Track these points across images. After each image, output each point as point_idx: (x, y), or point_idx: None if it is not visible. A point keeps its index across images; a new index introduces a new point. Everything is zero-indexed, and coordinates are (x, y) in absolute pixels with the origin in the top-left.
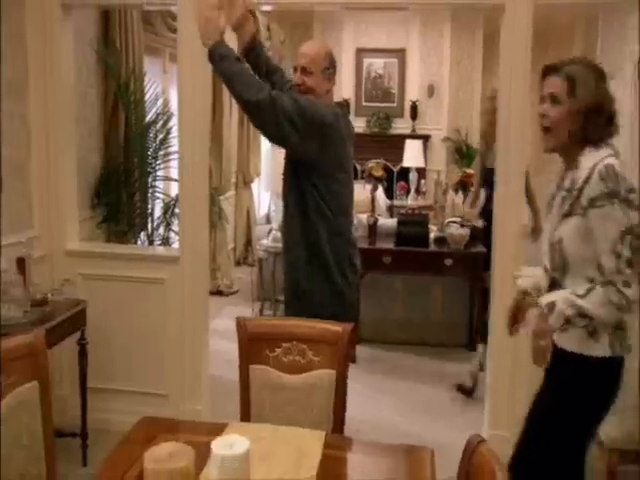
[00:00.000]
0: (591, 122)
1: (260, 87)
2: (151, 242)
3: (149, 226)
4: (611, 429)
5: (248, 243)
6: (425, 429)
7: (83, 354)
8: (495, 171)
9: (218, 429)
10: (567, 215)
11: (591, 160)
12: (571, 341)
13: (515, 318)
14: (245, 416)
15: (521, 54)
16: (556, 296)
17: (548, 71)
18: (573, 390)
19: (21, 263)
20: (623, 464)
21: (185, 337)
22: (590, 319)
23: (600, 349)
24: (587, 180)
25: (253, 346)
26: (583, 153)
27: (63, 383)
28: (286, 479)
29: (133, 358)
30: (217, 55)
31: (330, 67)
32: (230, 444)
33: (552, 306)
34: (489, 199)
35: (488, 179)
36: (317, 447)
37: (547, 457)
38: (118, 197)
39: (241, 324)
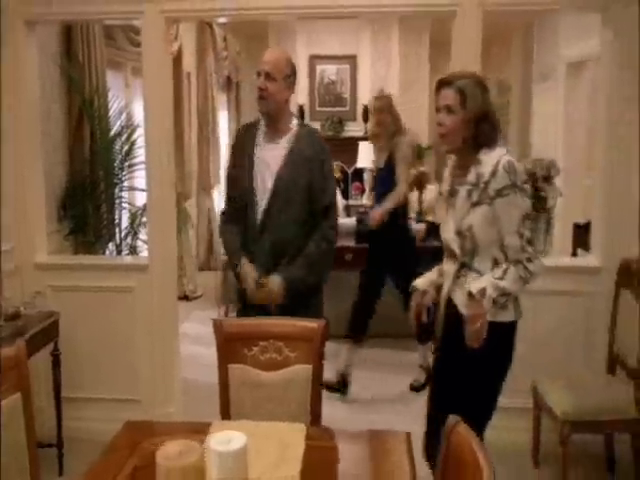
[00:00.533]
0: (480, 129)
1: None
2: (119, 252)
3: (117, 236)
4: (563, 403)
5: (210, 249)
6: (392, 418)
7: (57, 365)
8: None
9: (203, 428)
10: (476, 204)
11: (493, 157)
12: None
13: (419, 317)
14: (225, 415)
15: (471, 57)
16: (483, 282)
17: (442, 84)
18: (493, 351)
19: None
20: (574, 434)
21: (155, 343)
22: (508, 295)
23: (508, 315)
24: (493, 174)
25: (231, 346)
26: (482, 152)
27: (39, 394)
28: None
29: (106, 366)
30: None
31: (291, 75)
32: (227, 440)
33: (483, 292)
34: None
35: None
36: (299, 439)
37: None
38: (84, 209)
39: (218, 325)
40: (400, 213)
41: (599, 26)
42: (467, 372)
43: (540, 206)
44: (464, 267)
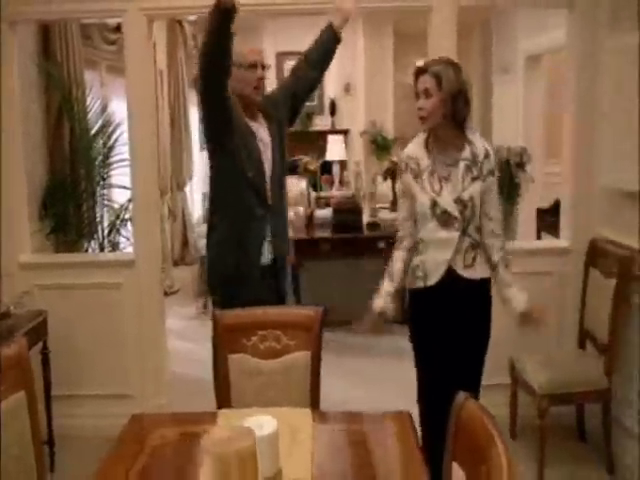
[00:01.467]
0: (456, 105)
1: None
2: (102, 249)
3: (100, 233)
4: (539, 378)
5: (184, 244)
6: (375, 398)
7: (46, 363)
8: None
9: (211, 417)
10: (475, 179)
11: (481, 141)
12: (480, 272)
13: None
14: (223, 404)
15: (447, 51)
16: (520, 297)
17: (419, 72)
18: (489, 308)
19: None
20: (552, 406)
21: (144, 337)
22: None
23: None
24: (486, 156)
25: (230, 337)
26: (469, 132)
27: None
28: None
29: (95, 362)
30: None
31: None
32: (260, 425)
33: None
34: None
35: None
36: (307, 423)
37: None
38: (65, 207)
39: (217, 317)
40: None
41: (565, 20)
42: (475, 338)
43: (515, 192)
44: (463, 233)
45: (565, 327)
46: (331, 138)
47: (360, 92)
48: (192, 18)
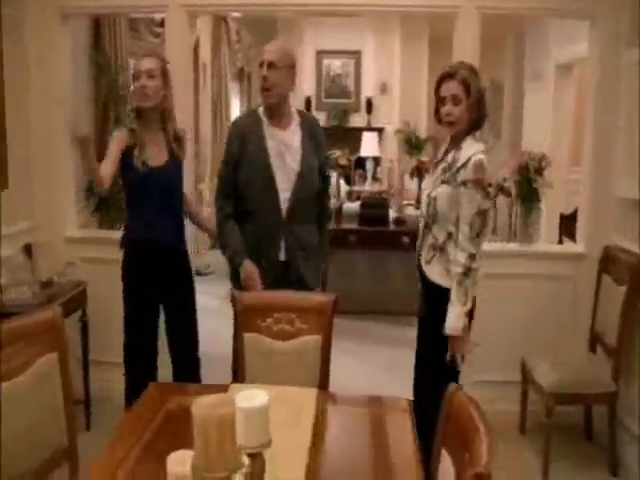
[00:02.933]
0: (481, 110)
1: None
2: None
3: None
4: (548, 377)
5: None
6: (389, 386)
7: (85, 330)
8: None
9: (221, 390)
10: (444, 182)
11: (470, 150)
12: (434, 274)
13: None
14: (238, 379)
15: (470, 56)
16: (454, 321)
17: (445, 77)
18: (440, 314)
19: (28, 249)
20: (558, 405)
21: None
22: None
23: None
24: (464, 165)
25: (247, 317)
26: (467, 139)
27: (68, 357)
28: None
29: None
30: None
31: (293, 66)
32: (250, 398)
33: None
34: None
35: None
36: (311, 402)
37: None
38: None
39: (236, 298)
40: None
41: (587, 32)
42: (428, 332)
43: (533, 197)
44: (426, 227)
45: (578, 330)
46: (366, 135)
47: (395, 92)
48: (236, 15)
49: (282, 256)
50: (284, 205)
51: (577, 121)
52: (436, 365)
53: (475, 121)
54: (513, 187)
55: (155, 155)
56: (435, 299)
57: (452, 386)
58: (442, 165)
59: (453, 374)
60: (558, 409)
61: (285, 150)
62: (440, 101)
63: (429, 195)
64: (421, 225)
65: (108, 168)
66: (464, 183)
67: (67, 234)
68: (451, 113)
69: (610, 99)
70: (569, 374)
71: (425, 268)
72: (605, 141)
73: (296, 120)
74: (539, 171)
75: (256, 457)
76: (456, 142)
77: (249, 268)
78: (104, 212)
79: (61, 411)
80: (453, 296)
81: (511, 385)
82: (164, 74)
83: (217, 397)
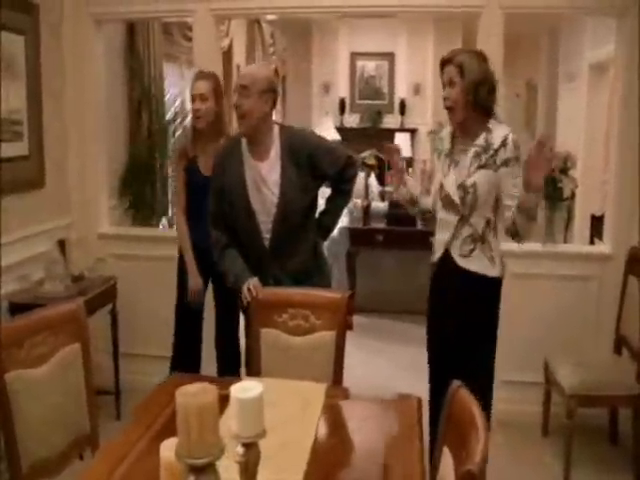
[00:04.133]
0: (479, 92)
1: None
2: (171, 225)
3: (170, 211)
4: (571, 379)
5: None
6: (411, 384)
7: (114, 323)
8: None
9: (235, 382)
10: (482, 167)
11: (502, 131)
12: (477, 266)
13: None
14: (254, 373)
15: (494, 56)
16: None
17: (444, 63)
18: (483, 304)
19: (62, 245)
20: (580, 407)
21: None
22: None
23: (495, 271)
24: (504, 145)
25: (263, 312)
26: (491, 122)
27: (98, 349)
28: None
29: (158, 327)
30: None
31: (268, 90)
32: (245, 389)
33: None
34: None
35: None
36: (319, 396)
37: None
38: (141, 187)
39: (252, 294)
40: None
41: (615, 30)
42: (464, 326)
43: (557, 196)
44: (462, 219)
45: (602, 332)
46: (398, 136)
47: (428, 93)
48: (270, 18)
49: (271, 283)
50: (266, 237)
51: (610, 122)
52: (477, 359)
53: (473, 104)
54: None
55: (210, 165)
56: (480, 290)
57: (454, 384)
58: (473, 150)
59: (492, 370)
60: (582, 411)
61: (262, 184)
62: (443, 88)
63: (463, 185)
64: (451, 219)
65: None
66: (506, 162)
67: (100, 231)
68: (447, 97)
69: (637, 98)
70: (592, 376)
71: (462, 261)
72: (633, 141)
73: (276, 146)
74: (564, 171)
75: (251, 447)
76: (463, 130)
77: (256, 282)
78: (137, 210)
79: (83, 399)
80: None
81: (534, 386)
82: (216, 94)
83: (200, 386)
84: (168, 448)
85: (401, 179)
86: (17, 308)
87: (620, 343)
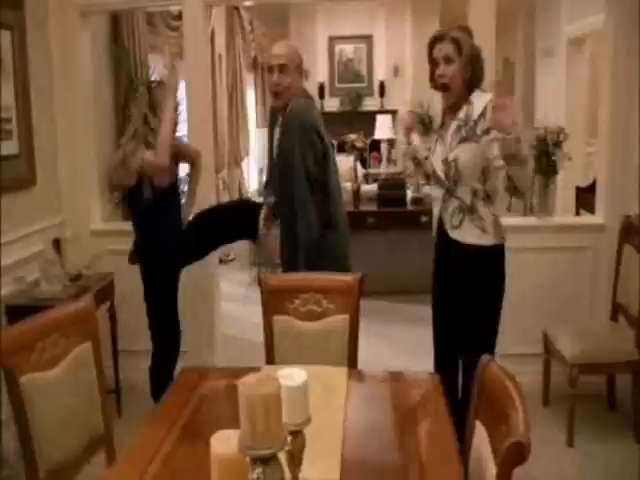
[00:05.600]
0: (475, 69)
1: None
2: None
3: None
4: (572, 347)
5: None
6: (414, 364)
7: (113, 321)
8: None
9: (254, 372)
10: (464, 140)
11: (482, 101)
12: (468, 236)
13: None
14: (270, 361)
15: (486, 31)
16: None
17: (436, 40)
18: (484, 274)
19: (57, 244)
20: (582, 375)
21: (199, 300)
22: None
23: (489, 239)
24: (482, 115)
25: (274, 299)
26: (474, 94)
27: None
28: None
29: None
30: None
31: (301, 63)
32: (291, 376)
33: None
34: None
35: None
36: (342, 380)
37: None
38: None
39: (263, 280)
40: None
41: (601, 5)
42: (465, 297)
43: (552, 169)
44: (448, 193)
45: (598, 300)
46: (380, 118)
47: (408, 74)
48: (248, 4)
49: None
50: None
51: (591, 94)
52: (481, 325)
53: (469, 81)
54: (532, 161)
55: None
56: (474, 260)
57: (485, 358)
58: (454, 125)
59: (495, 334)
60: (581, 379)
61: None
62: (433, 64)
63: (446, 160)
64: (438, 194)
65: None
66: (487, 131)
67: (92, 227)
68: (444, 74)
69: (627, 70)
70: (592, 344)
71: (454, 234)
72: (623, 111)
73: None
74: (558, 144)
75: (297, 435)
76: (455, 106)
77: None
78: (127, 205)
79: (97, 398)
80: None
81: (532, 358)
82: None
83: (262, 376)
84: (221, 441)
85: (408, 134)
86: (14, 310)
87: (617, 311)
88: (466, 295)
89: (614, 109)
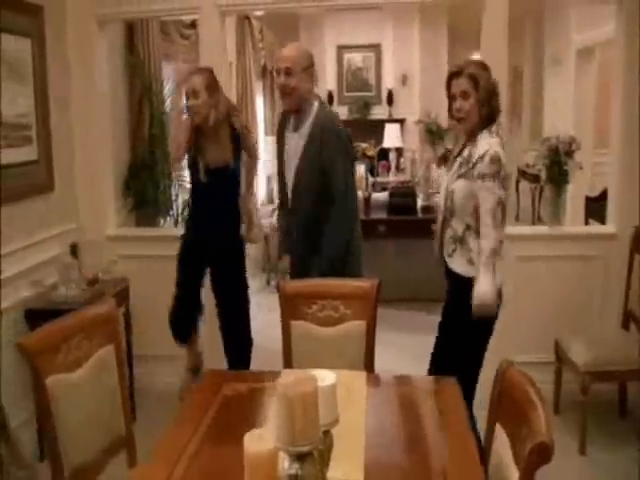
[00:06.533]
0: (492, 103)
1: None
2: (176, 224)
3: (174, 210)
4: (584, 355)
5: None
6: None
7: (128, 325)
8: None
9: (272, 376)
10: (461, 177)
11: (486, 144)
12: (458, 266)
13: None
14: (287, 365)
15: (499, 40)
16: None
17: (454, 75)
18: (466, 305)
19: (74, 248)
20: (594, 383)
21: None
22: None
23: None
24: (481, 158)
25: (292, 304)
26: (481, 134)
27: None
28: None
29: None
30: None
31: (310, 66)
32: (321, 377)
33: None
34: None
35: None
36: (362, 384)
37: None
38: (144, 186)
39: (281, 286)
40: None
41: (615, 13)
42: (452, 322)
43: (563, 179)
44: (445, 221)
45: (609, 309)
46: (388, 126)
47: (416, 83)
48: (259, 13)
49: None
50: (290, 196)
51: (600, 104)
52: (458, 354)
53: (487, 115)
54: (543, 170)
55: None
56: (458, 289)
57: (504, 362)
58: (459, 160)
59: (474, 365)
60: (592, 387)
61: (292, 154)
62: (451, 98)
63: (447, 189)
64: (440, 218)
65: None
66: (482, 176)
67: (107, 233)
68: (461, 109)
69: (637, 80)
70: (604, 352)
71: (448, 261)
72: (634, 121)
73: (311, 119)
74: (569, 153)
75: (326, 434)
76: (471, 137)
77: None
78: (141, 210)
79: (118, 400)
80: (482, 273)
81: (544, 366)
82: (210, 88)
83: (300, 375)
84: (253, 440)
85: None
86: (33, 313)
87: (628, 319)
88: (452, 322)
89: (625, 119)
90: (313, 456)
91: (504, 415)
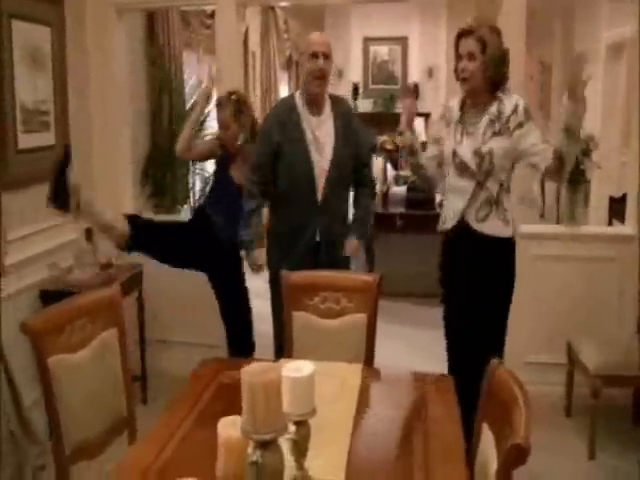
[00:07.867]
0: (498, 69)
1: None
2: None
3: (191, 198)
4: (595, 359)
5: None
6: (430, 368)
7: (141, 309)
8: None
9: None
10: (496, 134)
11: (513, 99)
12: (491, 228)
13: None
14: (288, 356)
15: (516, 36)
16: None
17: (463, 34)
18: (501, 265)
19: (89, 233)
20: (605, 387)
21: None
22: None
23: (509, 231)
24: (514, 112)
25: (295, 296)
26: (500, 93)
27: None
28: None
29: (184, 313)
30: None
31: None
32: (297, 369)
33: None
34: None
35: None
36: (356, 376)
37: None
38: (163, 174)
39: (285, 277)
40: None
41: (636, 11)
42: (481, 291)
43: (580, 178)
44: (479, 185)
45: (625, 312)
46: None
47: (442, 77)
48: (284, 4)
49: (317, 237)
50: (319, 189)
51: (628, 102)
52: (494, 323)
53: (491, 79)
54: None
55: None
56: (496, 253)
57: (494, 362)
58: (484, 120)
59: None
60: (605, 391)
61: (319, 136)
62: (458, 58)
63: (478, 151)
64: (466, 185)
65: None
66: (519, 125)
67: None
68: (465, 69)
69: None
70: (616, 356)
71: (478, 226)
72: None
73: (328, 105)
74: (587, 153)
75: (302, 425)
76: (475, 99)
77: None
78: (159, 197)
79: (121, 382)
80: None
81: (557, 367)
82: (237, 114)
83: (264, 365)
84: (226, 426)
85: (410, 122)
86: (48, 295)
87: None
88: (482, 289)
89: None
90: (277, 445)
91: (491, 414)
